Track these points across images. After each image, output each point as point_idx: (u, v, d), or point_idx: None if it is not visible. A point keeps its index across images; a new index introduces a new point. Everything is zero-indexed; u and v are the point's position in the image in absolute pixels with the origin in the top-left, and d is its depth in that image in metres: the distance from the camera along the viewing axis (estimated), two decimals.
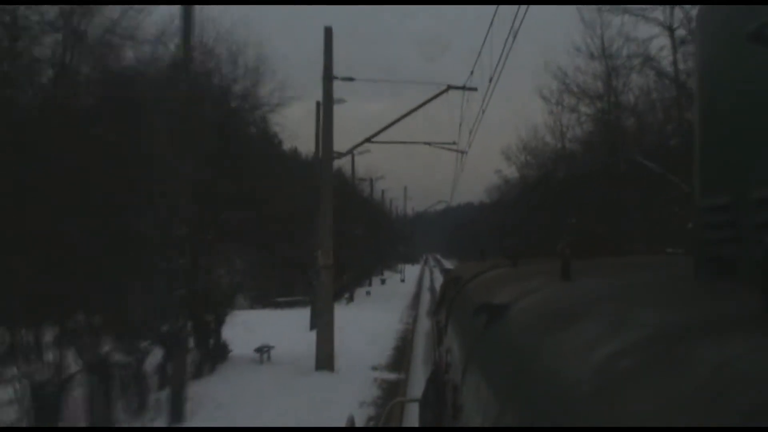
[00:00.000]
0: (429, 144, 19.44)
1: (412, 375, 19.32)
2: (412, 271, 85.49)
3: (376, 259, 63.91)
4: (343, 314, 28.66)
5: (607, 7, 25.53)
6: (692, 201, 2.22)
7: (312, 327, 23.63)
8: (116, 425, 12.95)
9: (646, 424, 1.09)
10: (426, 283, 63.12)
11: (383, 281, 59.30)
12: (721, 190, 1.99)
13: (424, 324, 28.96)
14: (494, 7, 10.64)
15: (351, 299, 39.71)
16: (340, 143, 47.15)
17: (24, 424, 11.15)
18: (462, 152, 19.38)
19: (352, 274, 44.86)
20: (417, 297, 46.88)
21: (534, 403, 1.73)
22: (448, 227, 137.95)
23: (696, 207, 2.18)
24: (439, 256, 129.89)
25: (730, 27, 1.89)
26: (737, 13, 1.87)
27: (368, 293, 45.80)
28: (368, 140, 19.13)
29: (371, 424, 12.91)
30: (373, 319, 28.93)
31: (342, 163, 54.09)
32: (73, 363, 12.46)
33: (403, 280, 64.00)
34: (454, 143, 19.64)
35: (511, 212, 43.48)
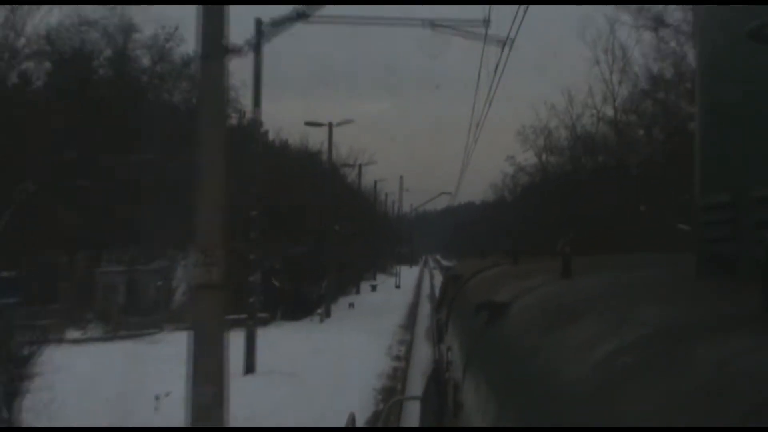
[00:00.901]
0: (434, 26, 10.09)
1: None
2: (409, 274, 72.81)
3: (368, 260, 54.93)
4: (305, 342, 21.25)
5: None
6: (693, 200, 2.22)
7: (248, 366, 16.28)
8: None
9: (646, 423, 1.10)
10: (425, 289, 53.23)
11: (374, 288, 48.36)
12: (721, 189, 1.99)
13: (424, 353, 19.57)
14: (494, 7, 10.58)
15: (327, 315, 30.67)
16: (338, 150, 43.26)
17: None
18: (503, 41, 10.06)
19: (335, 280, 36.29)
20: (414, 309, 36.74)
21: (535, 401, 1.73)
22: (448, 228, 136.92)
23: (696, 206, 2.18)
24: (439, 257, 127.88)
25: (730, 26, 1.89)
26: (737, 12, 1.87)
27: (351, 305, 35.48)
28: (303, 16, 9.01)
29: (371, 424, 12.91)
30: (348, 350, 19.21)
31: (319, 141, 42.74)
32: None
33: (398, 286, 53.18)
34: (484, 22, 10.33)
35: (522, 206, 39.32)
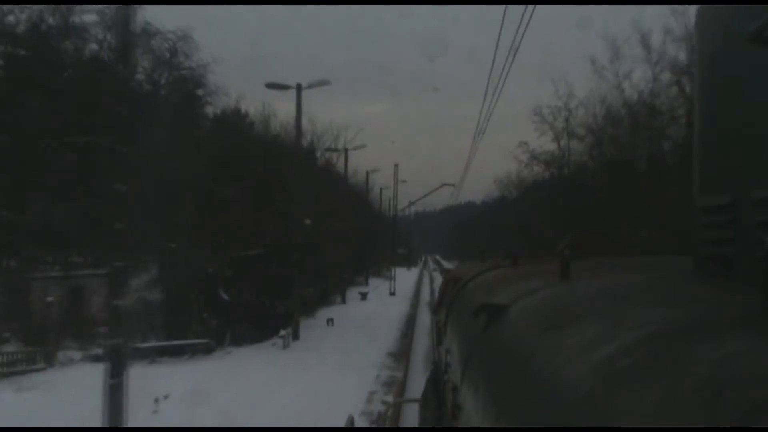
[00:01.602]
0: None
1: None
2: (407, 277, 63.90)
3: (359, 263, 47.15)
4: (247, 385, 15.69)
5: None
6: (692, 200, 2.22)
7: None
8: None
9: (645, 424, 1.09)
10: (425, 295, 44.57)
11: (364, 296, 39.61)
12: (720, 189, 1.99)
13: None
14: (491, 7, 10.57)
15: (295, 336, 23.14)
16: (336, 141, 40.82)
17: None
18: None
19: (314, 289, 29.86)
20: (411, 324, 28.46)
21: (534, 404, 1.73)
22: (449, 228, 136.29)
23: (695, 207, 2.18)
24: (439, 257, 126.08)
25: (730, 27, 1.89)
26: (736, 13, 1.87)
27: (330, 322, 27.11)
28: None
29: (371, 424, 12.90)
30: (304, 404, 14.08)
31: (286, 114, 34.44)
32: None
33: (393, 293, 44.27)
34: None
35: (535, 199, 34.17)
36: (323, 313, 29.76)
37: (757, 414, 0.90)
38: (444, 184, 51.08)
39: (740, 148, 1.90)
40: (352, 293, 40.03)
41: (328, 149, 37.80)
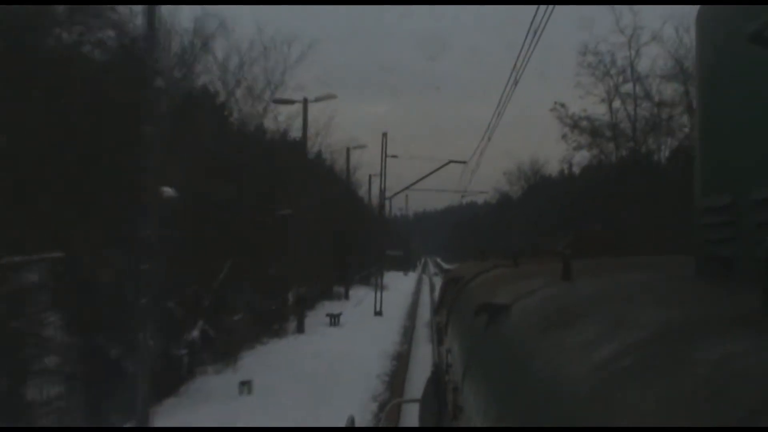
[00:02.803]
0: None
1: None
2: (403, 285, 49.97)
3: (333, 270, 34.55)
4: None
5: None
6: (693, 201, 2.22)
7: None
8: None
9: (646, 424, 1.09)
10: (425, 312, 32.39)
11: (334, 319, 25.71)
12: (721, 190, 1.99)
13: None
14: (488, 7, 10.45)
15: None
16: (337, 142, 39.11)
17: None
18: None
19: (249, 314, 19.59)
20: (396, 381, 16.34)
21: (535, 404, 1.73)
22: (449, 229, 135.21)
23: (696, 207, 2.18)
24: (440, 260, 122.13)
25: (730, 27, 1.89)
26: (736, 13, 1.87)
27: (246, 388, 13.72)
28: None
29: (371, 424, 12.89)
30: None
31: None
32: None
33: (378, 312, 30.03)
34: None
35: (578, 183, 27.99)
36: (254, 358, 17.07)
37: (758, 414, 0.90)
38: (450, 161, 36.12)
39: (741, 148, 1.90)
40: (320, 314, 26.88)
41: (277, 101, 23.58)
